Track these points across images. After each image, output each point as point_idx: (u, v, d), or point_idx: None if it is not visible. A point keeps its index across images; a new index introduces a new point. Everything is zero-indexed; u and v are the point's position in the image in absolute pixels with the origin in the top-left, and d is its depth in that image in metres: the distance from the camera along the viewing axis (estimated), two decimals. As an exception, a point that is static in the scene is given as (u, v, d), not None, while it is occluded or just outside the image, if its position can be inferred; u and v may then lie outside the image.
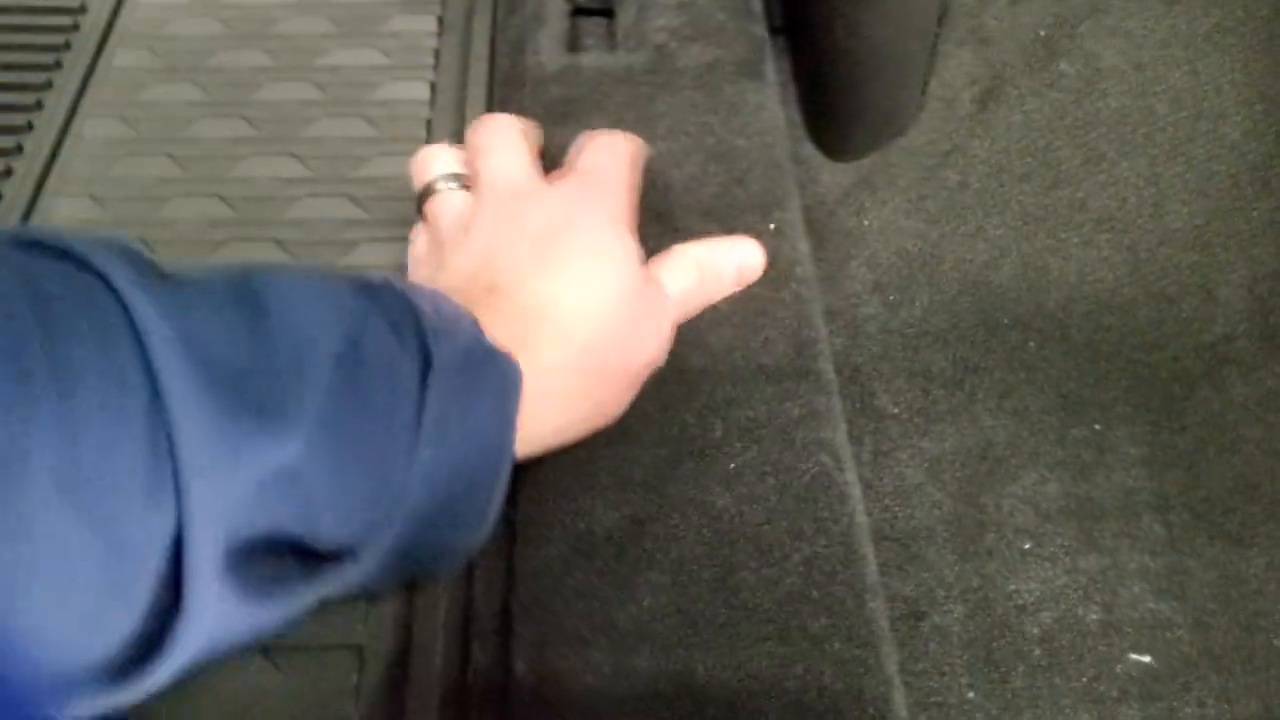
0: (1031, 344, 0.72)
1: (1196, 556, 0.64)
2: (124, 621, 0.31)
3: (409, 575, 0.46)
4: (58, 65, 0.84)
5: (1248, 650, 0.62)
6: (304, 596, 0.37)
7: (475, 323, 0.45)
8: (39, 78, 0.82)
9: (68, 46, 0.85)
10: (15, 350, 0.29)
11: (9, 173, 0.75)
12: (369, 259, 0.73)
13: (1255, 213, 0.73)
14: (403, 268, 0.63)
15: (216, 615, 0.32)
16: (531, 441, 0.48)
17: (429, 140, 0.81)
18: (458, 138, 0.81)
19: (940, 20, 0.73)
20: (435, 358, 0.41)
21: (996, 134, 0.75)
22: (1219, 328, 0.72)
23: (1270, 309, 0.72)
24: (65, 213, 0.74)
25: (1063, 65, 0.74)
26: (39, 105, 0.80)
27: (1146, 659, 0.61)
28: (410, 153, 0.79)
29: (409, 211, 0.76)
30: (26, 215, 0.73)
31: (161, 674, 0.32)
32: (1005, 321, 0.73)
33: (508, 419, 0.44)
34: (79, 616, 0.29)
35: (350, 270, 0.72)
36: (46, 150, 0.77)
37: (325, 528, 0.36)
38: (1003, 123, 0.75)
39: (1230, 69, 0.73)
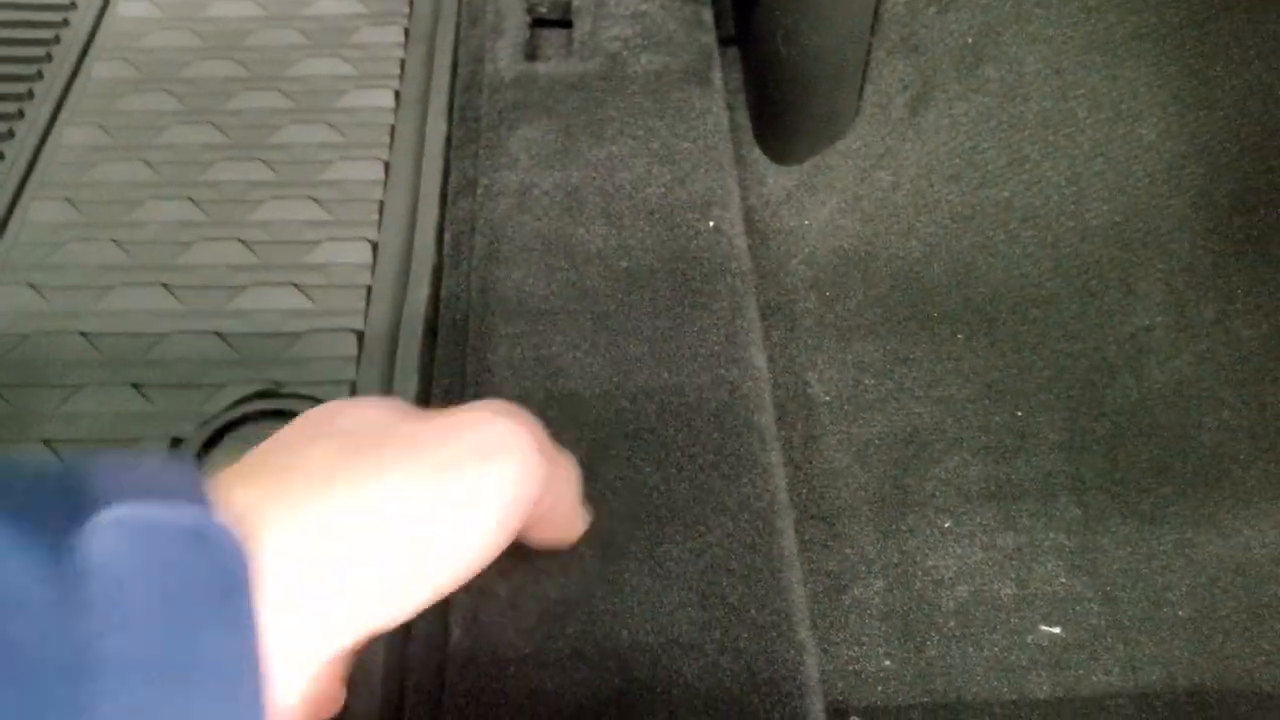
0: (960, 336, 0.76)
1: (1110, 535, 0.68)
2: None
3: None
4: (39, 75, 0.88)
5: (1154, 622, 0.65)
6: None
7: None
8: (21, 87, 0.86)
9: (49, 58, 0.89)
10: None
11: (-9, 178, 0.79)
12: (331, 257, 0.77)
13: (1171, 210, 0.77)
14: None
15: None
16: None
17: (392, 145, 0.85)
18: (418, 140, 0.85)
19: (873, 29, 0.77)
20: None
21: (927, 137, 0.79)
22: (1138, 319, 0.76)
23: (1186, 301, 0.76)
24: (44, 215, 0.78)
25: (988, 70, 0.77)
26: (20, 114, 0.84)
27: (1057, 630, 0.64)
28: (373, 156, 0.83)
29: (370, 212, 0.81)
30: (6, 217, 0.77)
31: None
32: (935, 315, 0.76)
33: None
34: None
35: (312, 267, 0.76)
36: (27, 156, 0.81)
37: None
38: (932, 126, 0.79)
39: (1146, 73, 0.77)
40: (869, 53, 0.77)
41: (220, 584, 0.31)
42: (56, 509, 0.29)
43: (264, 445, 0.41)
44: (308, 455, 0.38)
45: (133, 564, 0.29)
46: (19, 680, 0.26)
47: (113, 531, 0.29)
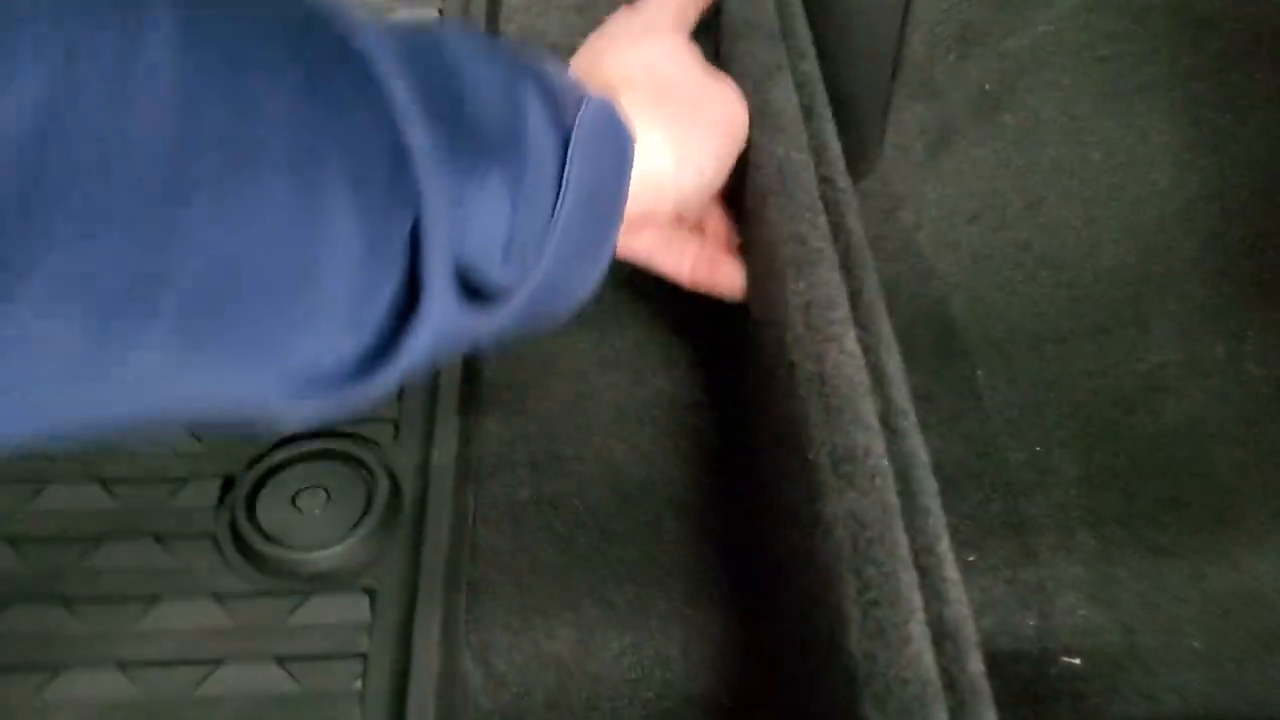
0: (980, 373, 0.78)
1: (1126, 567, 0.70)
2: (372, 322, 0.35)
3: (535, 321, 0.48)
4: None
5: (1171, 652, 0.68)
6: (486, 323, 0.41)
7: (602, 97, 0.48)
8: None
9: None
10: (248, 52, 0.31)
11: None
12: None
13: (1183, 252, 0.80)
14: None
15: (442, 316, 0.36)
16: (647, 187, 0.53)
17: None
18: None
19: (894, 75, 0.79)
20: (577, 125, 0.44)
21: (947, 180, 0.81)
22: (1152, 358, 0.78)
23: (1198, 340, 0.78)
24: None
25: (1006, 117, 0.80)
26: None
27: (1077, 661, 0.67)
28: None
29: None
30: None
31: (396, 370, 0.37)
32: (956, 352, 0.79)
33: (625, 174, 0.50)
34: (340, 315, 0.34)
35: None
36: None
37: (497, 266, 0.40)
38: (952, 169, 0.81)
39: (1158, 121, 0.79)
40: (890, 98, 0.80)
41: (623, 148, 0.49)
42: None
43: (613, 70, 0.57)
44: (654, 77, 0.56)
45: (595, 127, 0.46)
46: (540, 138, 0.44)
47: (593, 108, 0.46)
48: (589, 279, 0.50)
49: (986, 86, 0.81)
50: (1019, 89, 0.81)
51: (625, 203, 0.51)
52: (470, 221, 0.38)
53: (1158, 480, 0.74)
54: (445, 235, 0.36)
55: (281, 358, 0.33)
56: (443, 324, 0.37)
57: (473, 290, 0.40)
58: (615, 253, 0.53)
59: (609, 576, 0.66)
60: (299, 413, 0.36)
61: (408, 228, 0.35)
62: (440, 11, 0.94)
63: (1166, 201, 0.81)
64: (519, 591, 0.66)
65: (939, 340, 0.79)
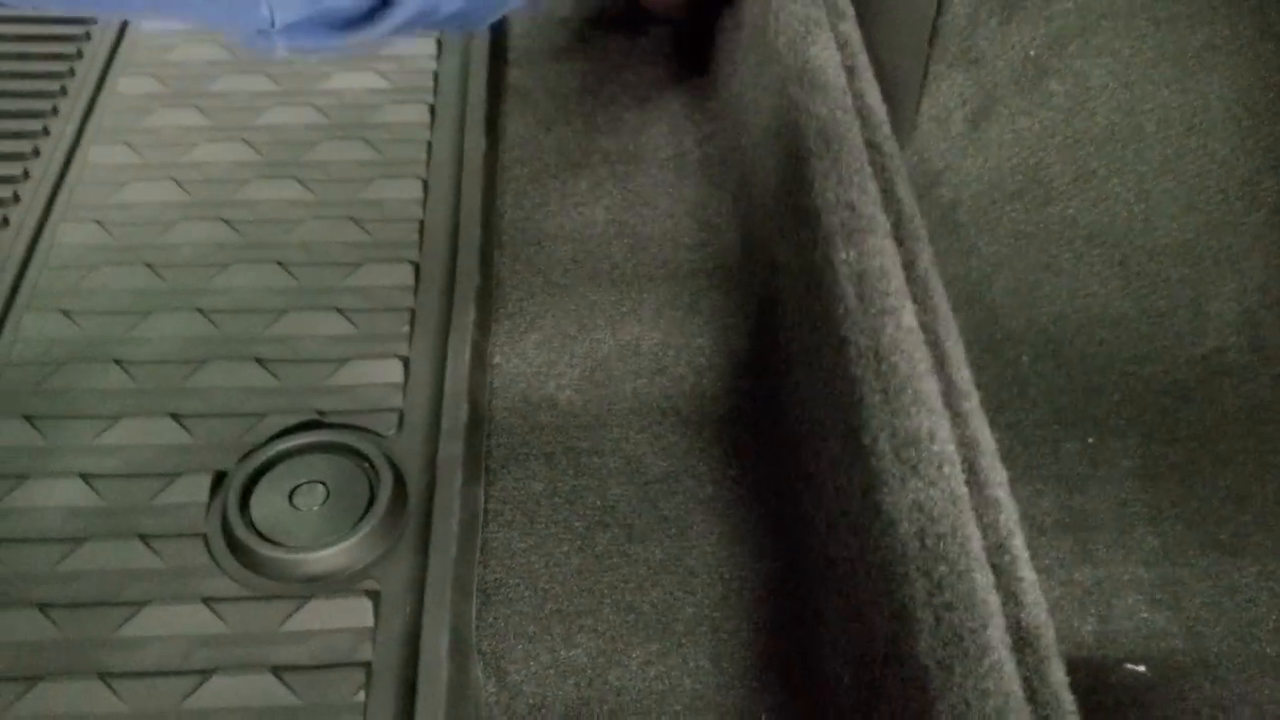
0: (1025, 359, 0.73)
1: (1190, 566, 0.66)
2: None
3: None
4: (63, 91, 0.85)
5: (1242, 659, 0.63)
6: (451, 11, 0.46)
7: None
8: (44, 104, 0.83)
9: (71, 73, 0.86)
10: None
11: (16, 199, 0.76)
12: (374, 279, 0.74)
13: (1244, 227, 0.75)
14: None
15: None
16: None
17: (429, 163, 0.82)
18: (457, 157, 0.83)
19: (931, 41, 0.75)
20: None
21: (988, 153, 0.77)
22: (1210, 340, 0.74)
23: (1260, 321, 0.74)
24: (74, 238, 0.75)
25: (1052, 84, 0.75)
26: (45, 131, 0.82)
27: (1141, 669, 0.62)
28: (411, 175, 0.81)
29: (410, 232, 0.78)
30: (34, 241, 0.74)
31: (388, 22, 0.41)
32: (999, 337, 0.74)
33: None
34: None
35: (356, 289, 0.73)
36: (53, 175, 0.78)
37: None
38: (994, 141, 0.76)
39: (1218, 86, 0.74)
40: (927, 65, 0.75)
41: None
42: None
43: None
44: None
45: None
46: None
47: None
48: None
49: (1031, 52, 0.76)
50: (1067, 54, 0.76)
51: None
52: None
53: (1220, 472, 0.70)
54: None
55: None
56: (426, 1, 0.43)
57: None
58: None
59: (632, 578, 0.61)
60: (290, 39, 0.42)
61: None
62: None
63: (1228, 173, 0.76)
64: (534, 595, 0.61)
65: (981, 324, 0.74)
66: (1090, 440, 0.70)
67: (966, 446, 0.44)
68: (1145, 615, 0.64)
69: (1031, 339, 0.74)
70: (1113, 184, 0.76)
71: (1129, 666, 0.62)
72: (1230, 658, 0.63)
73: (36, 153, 0.80)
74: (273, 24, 0.40)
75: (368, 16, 0.42)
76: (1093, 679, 0.62)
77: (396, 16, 0.42)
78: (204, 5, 0.41)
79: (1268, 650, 0.63)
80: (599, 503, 0.65)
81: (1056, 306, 0.75)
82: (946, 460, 0.42)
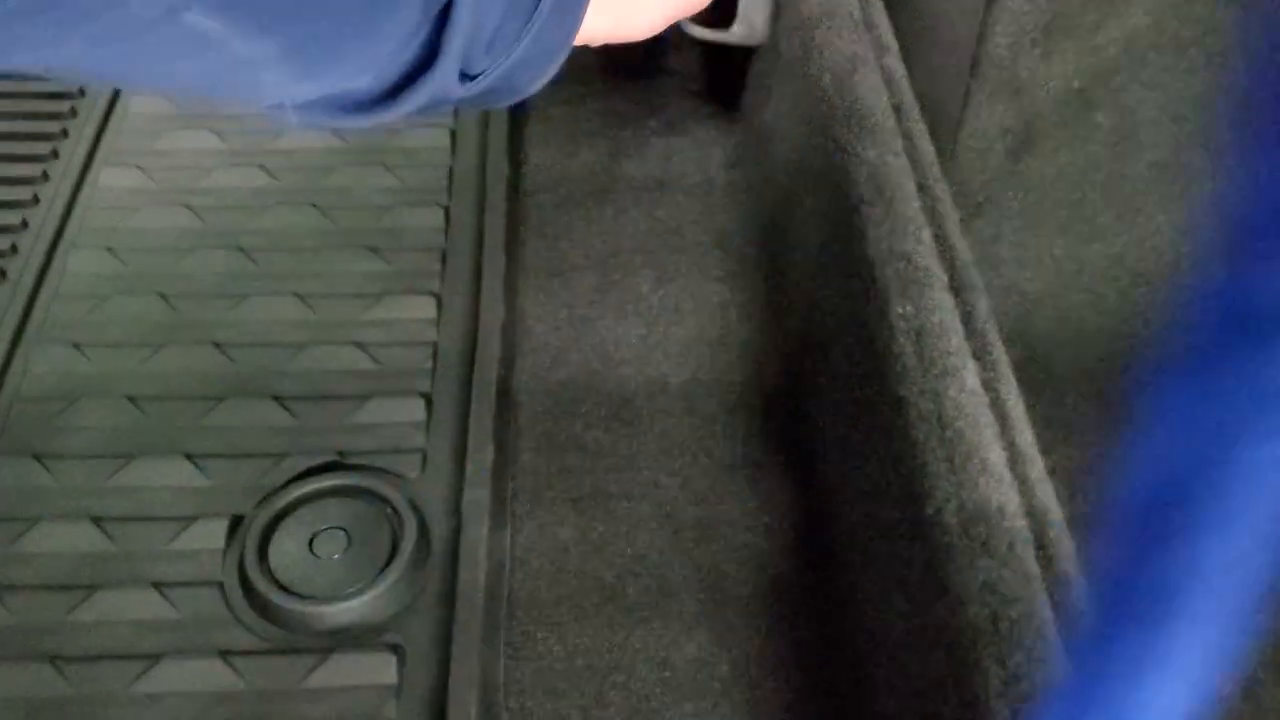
0: (1068, 401, 0.71)
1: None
2: (397, 64, 0.40)
3: (495, 98, 0.50)
4: (73, 113, 0.82)
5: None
6: (460, 93, 0.44)
7: None
8: (54, 126, 0.81)
9: (81, 93, 0.84)
10: None
11: (24, 225, 0.74)
12: (394, 313, 0.72)
13: None
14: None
15: (443, 80, 0.41)
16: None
17: (450, 189, 0.80)
18: (479, 183, 0.80)
19: (972, 70, 0.72)
20: None
21: (1030, 185, 0.74)
22: (1264, 383, 0.71)
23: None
24: (85, 267, 0.72)
25: (1098, 117, 0.73)
26: (55, 154, 0.79)
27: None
28: (433, 202, 0.78)
29: (432, 263, 0.75)
30: (43, 269, 0.72)
31: (399, 110, 0.41)
32: (1040, 377, 0.72)
33: None
34: (384, 52, 0.39)
35: (377, 322, 0.71)
36: (63, 201, 0.76)
37: (481, 54, 0.43)
38: (1036, 174, 0.74)
39: (1270, 122, 0.71)
40: (967, 94, 0.73)
41: None
42: None
43: None
44: None
45: None
46: None
47: None
48: (546, 71, 0.51)
49: (1076, 84, 0.74)
50: (1113, 87, 0.73)
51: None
52: (481, 12, 0.42)
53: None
54: (467, 20, 0.40)
55: (335, 63, 0.38)
56: (439, 91, 0.41)
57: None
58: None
59: (665, 634, 0.59)
60: (303, 118, 0.41)
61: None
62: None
63: None
64: (563, 649, 0.58)
65: (1021, 364, 0.72)
66: (1138, 488, 0.68)
67: (1034, 518, 0.41)
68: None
69: (1075, 381, 0.71)
70: (1160, 221, 0.73)
71: None
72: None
73: (45, 176, 0.77)
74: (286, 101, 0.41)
75: (382, 100, 0.42)
76: None
77: (411, 102, 0.42)
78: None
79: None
80: (629, 551, 0.62)
81: (1100, 347, 0.72)
82: (1018, 538, 0.40)
